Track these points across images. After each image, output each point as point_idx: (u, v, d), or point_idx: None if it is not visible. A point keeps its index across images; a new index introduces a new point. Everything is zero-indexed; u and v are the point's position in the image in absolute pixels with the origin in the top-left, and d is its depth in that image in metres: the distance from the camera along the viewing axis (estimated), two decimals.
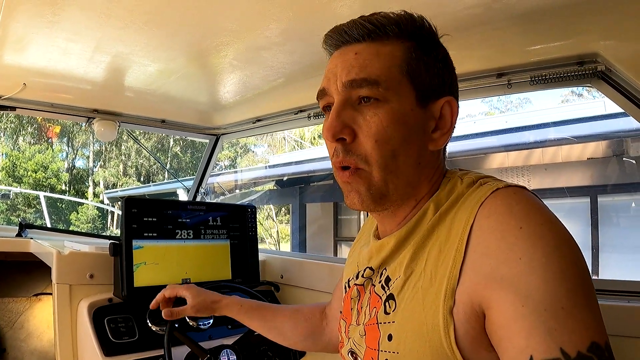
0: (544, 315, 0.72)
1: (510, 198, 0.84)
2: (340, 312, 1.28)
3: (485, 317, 0.80)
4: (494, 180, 0.94)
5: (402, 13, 1.00)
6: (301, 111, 2.36)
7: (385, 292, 1.00)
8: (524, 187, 0.88)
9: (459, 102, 1.06)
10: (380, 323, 0.97)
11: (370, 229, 1.25)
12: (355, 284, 1.13)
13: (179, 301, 1.68)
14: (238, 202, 2.55)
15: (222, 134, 3.06)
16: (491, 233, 0.82)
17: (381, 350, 0.95)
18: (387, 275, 1.01)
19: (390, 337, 0.93)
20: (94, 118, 2.60)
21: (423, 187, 1.02)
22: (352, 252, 1.34)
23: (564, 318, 0.71)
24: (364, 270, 1.10)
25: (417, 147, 0.99)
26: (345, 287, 1.24)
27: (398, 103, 0.96)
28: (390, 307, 0.96)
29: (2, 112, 2.43)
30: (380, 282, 1.03)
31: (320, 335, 1.53)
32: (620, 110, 1.50)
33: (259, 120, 2.66)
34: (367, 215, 1.27)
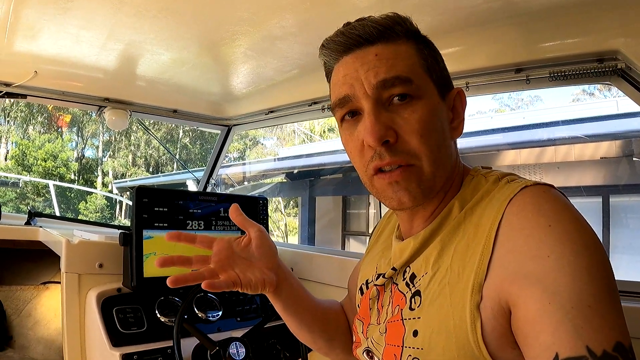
0: (571, 312, 0.71)
1: (539, 196, 0.84)
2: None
3: (512, 313, 0.79)
4: (520, 178, 0.94)
5: (393, 14, 1.00)
6: (315, 103, 2.34)
7: (411, 289, 0.99)
8: (552, 185, 0.87)
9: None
10: (406, 319, 0.96)
11: (389, 230, 1.25)
12: (375, 285, 1.12)
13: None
14: (249, 194, 2.54)
15: (234, 125, 3.05)
16: (520, 230, 0.81)
17: (405, 347, 0.93)
18: (412, 273, 1.01)
19: (415, 333, 0.92)
20: (105, 107, 2.60)
21: (450, 180, 1.03)
22: (369, 254, 1.33)
23: (591, 316, 0.70)
24: (386, 271, 1.09)
25: (448, 138, 1.01)
26: (362, 289, 1.23)
27: (429, 98, 0.96)
28: (415, 303, 0.95)
29: (13, 99, 2.42)
30: (404, 279, 1.02)
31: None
32: (633, 110, 1.49)
33: (271, 112, 2.64)
34: (378, 211, 1.26)
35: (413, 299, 0.96)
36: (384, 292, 1.10)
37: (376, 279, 1.13)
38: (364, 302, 1.17)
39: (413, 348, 0.92)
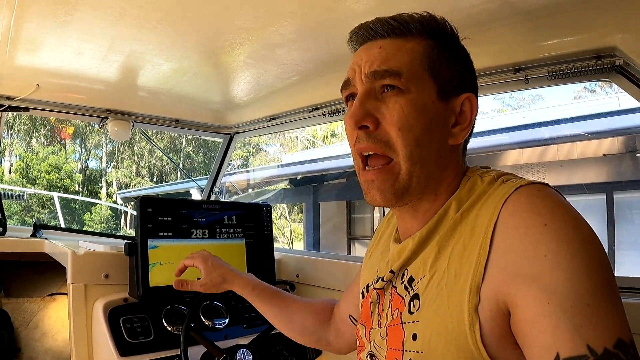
0: (569, 311, 0.71)
1: (534, 195, 0.84)
2: (351, 317, 1.37)
3: (511, 314, 0.80)
4: (516, 178, 0.94)
5: (426, 14, 1.04)
6: (316, 109, 2.35)
7: (409, 292, 0.99)
8: (547, 184, 0.87)
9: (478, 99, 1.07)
10: (405, 323, 0.97)
11: (388, 233, 1.26)
12: (375, 288, 1.13)
13: None
14: (252, 201, 2.53)
15: (236, 133, 3.05)
16: (515, 230, 0.82)
17: (405, 350, 0.94)
18: (410, 276, 1.01)
19: (415, 337, 0.92)
20: (108, 118, 2.61)
21: (443, 183, 1.03)
22: (370, 258, 1.34)
23: (590, 314, 0.71)
24: (385, 274, 1.10)
25: (438, 139, 1.01)
26: (363, 293, 1.24)
27: (418, 94, 0.98)
28: (414, 306, 0.96)
29: (15, 113, 2.43)
30: (402, 283, 1.03)
31: (326, 332, 1.55)
32: (635, 105, 1.49)
33: (273, 119, 2.65)
34: (383, 215, 1.27)
35: (412, 302, 0.97)
36: (384, 296, 1.11)
37: (376, 283, 1.14)
38: (365, 306, 1.18)
39: (413, 352, 0.92)
